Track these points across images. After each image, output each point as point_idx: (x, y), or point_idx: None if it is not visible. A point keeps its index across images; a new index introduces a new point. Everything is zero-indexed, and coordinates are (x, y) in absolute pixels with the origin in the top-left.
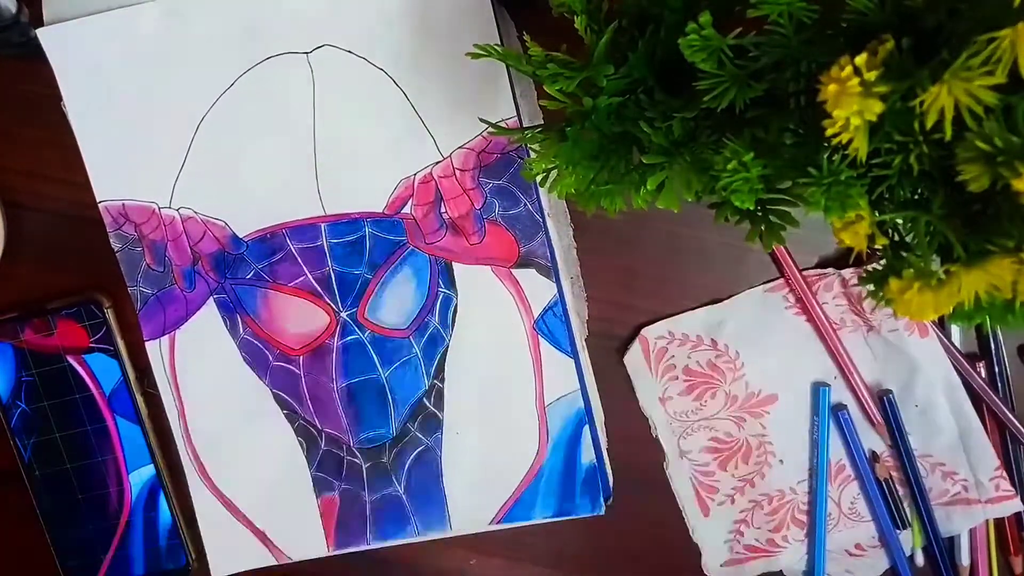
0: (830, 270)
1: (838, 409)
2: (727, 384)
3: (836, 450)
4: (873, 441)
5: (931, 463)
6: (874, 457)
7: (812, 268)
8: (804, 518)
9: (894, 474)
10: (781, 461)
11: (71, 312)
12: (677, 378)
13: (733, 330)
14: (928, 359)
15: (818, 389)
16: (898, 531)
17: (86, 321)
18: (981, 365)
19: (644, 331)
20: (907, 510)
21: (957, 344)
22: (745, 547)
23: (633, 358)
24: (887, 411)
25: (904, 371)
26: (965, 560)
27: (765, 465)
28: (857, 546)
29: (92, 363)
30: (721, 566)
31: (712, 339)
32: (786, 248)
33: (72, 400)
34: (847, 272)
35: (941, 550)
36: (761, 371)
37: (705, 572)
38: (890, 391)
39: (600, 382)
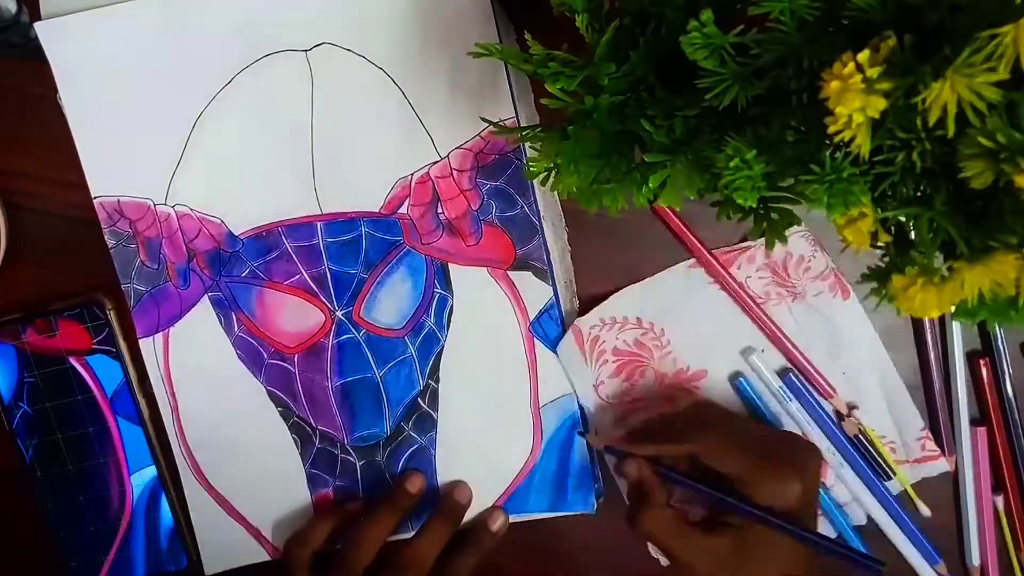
0: (753, 242)
1: (783, 374)
2: (655, 362)
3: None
4: None
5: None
6: (839, 416)
7: (736, 244)
8: None
9: (863, 428)
10: None
11: (73, 313)
12: (607, 361)
13: (657, 307)
14: (852, 323)
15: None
16: (885, 481)
17: (88, 322)
18: (984, 362)
19: (578, 322)
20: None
21: (960, 341)
22: None
23: (566, 350)
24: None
25: (828, 338)
26: (976, 560)
27: None
28: None
29: (94, 364)
30: None
31: (637, 317)
32: (688, 227)
33: (74, 401)
34: None
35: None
36: (688, 346)
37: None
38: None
39: None
